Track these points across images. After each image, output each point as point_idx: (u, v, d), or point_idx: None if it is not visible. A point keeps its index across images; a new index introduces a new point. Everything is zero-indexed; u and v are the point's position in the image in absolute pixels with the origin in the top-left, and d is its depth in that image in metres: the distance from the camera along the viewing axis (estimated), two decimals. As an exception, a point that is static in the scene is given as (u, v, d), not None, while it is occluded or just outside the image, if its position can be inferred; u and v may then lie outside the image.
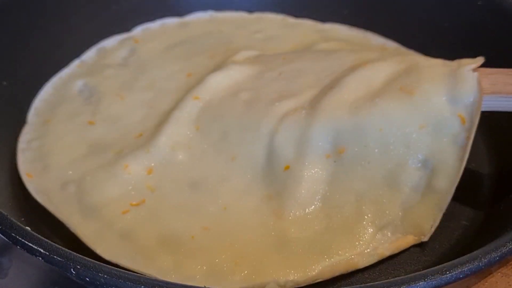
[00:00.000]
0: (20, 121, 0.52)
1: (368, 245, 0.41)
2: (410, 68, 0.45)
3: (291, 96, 0.46)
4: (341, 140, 0.44)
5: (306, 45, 0.58)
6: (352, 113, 0.43)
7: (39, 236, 0.35)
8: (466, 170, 0.45)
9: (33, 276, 0.44)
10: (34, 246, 0.34)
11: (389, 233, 0.42)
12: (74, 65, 0.57)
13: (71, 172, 0.45)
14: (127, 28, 0.62)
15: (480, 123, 0.52)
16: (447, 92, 0.43)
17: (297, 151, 0.43)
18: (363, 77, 0.46)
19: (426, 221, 0.43)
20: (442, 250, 0.44)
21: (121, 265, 0.39)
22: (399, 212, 0.43)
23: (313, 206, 0.42)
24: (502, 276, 0.44)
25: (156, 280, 0.33)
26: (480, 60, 0.44)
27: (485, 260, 0.35)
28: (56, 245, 0.35)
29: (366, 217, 0.42)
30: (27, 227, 0.36)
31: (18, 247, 0.35)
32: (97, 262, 0.34)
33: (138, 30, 0.62)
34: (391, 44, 0.61)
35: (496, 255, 0.35)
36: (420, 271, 0.35)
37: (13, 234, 0.35)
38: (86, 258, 0.34)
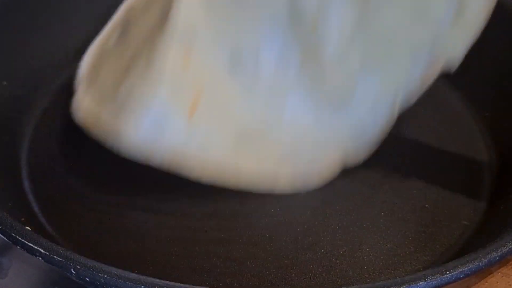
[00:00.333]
0: (20, 121, 0.52)
1: None
2: None
3: None
4: None
5: None
6: None
7: (39, 236, 0.35)
8: (466, 170, 0.45)
9: (33, 276, 0.44)
10: (34, 246, 0.34)
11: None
12: None
13: None
14: None
15: (480, 123, 0.52)
16: None
17: None
18: None
19: (456, 50, 0.43)
20: (442, 250, 0.44)
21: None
22: (430, 44, 0.42)
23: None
24: (502, 276, 0.44)
25: (156, 280, 0.33)
26: None
27: (485, 260, 0.35)
28: (56, 245, 0.35)
29: (400, 54, 0.42)
30: (27, 227, 0.36)
31: (18, 247, 0.35)
32: (97, 262, 0.34)
33: None
34: None
35: (496, 255, 0.35)
36: (420, 271, 0.35)
37: (13, 234, 0.35)
38: (86, 258, 0.34)
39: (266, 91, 0.42)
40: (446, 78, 0.56)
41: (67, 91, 0.57)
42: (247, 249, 0.43)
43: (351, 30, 0.41)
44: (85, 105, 0.44)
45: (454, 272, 0.34)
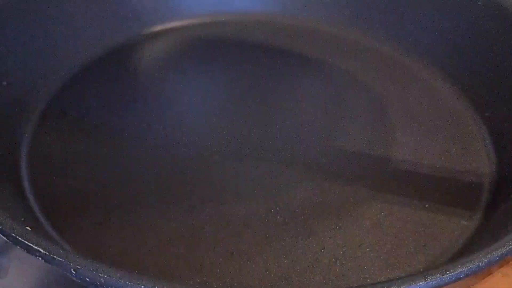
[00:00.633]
0: (20, 121, 0.52)
1: None
2: None
3: None
4: None
5: None
6: None
7: (39, 236, 0.35)
8: (466, 170, 0.45)
9: (33, 276, 0.44)
10: (34, 246, 0.34)
11: None
12: None
13: None
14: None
15: (480, 123, 0.52)
16: None
17: None
18: None
19: None
20: (442, 250, 0.44)
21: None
22: None
23: None
24: (502, 276, 0.44)
25: (157, 279, 0.33)
26: None
27: (486, 260, 0.35)
28: (56, 245, 0.34)
29: None
30: (27, 227, 0.36)
31: (18, 247, 0.35)
32: (97, 262, 0.33)
33: None
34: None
35: (496, 255, 0.35)
36: (420, 271, 0.35)
37: (12, 234, 0.35)
38: (86, 258, 0.34)
39: None
40: (446, 79, 0.57)
41: (67, 91, 0.57)
42: (246, 248, 0.43)
43: None
44: None
45: (454, 272, 0.34)
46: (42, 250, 0.33)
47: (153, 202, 0.46)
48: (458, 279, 0.34)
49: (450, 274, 0.34)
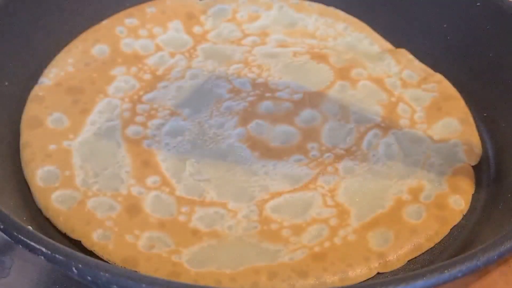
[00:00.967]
0: (16, 116, 0.52)
1: None
2: None
3: None
4: None
5: None
6: None
7: (40, 235, 0.35)
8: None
9: (35, 275, 0.44)
10: (36, 245, 0.35)
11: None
12: None
13: None
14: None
15: (479, 123, 0.53)
16: None
17: None
18: None
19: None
20: (440, 249, 0.45)
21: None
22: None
23: None
24: (500, 275, 0.44)
25: (157, 278, 0.34)
26: None
27: (484, 259, 0.35)
28: (57, 244, 0.35)
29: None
30: (29, 226, 0.36)
31: (20, 246, 0.35)
32: (98, 261, 0.34)
33: None
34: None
35: (494, 254, 0.36)
36: (419, 269, 0.35)
37: (15, 233, 0.35)
38: (88, 257, 0.34)
39: None
40: (446, 79, 0.57)
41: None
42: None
43: None
44: None
45: (453, 271, 0.34)
46: (44, 249, 0.34)
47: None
48: (456, 277, 0.34)
49: (449, 273, 0.34)
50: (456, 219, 0.46)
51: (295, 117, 0.53)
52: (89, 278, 0.33)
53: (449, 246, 0.45)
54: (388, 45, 0.61)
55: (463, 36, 0.57)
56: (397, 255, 0.43)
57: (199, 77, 0.57)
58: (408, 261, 0.44)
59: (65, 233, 0.44)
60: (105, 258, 0.42)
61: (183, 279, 0.40)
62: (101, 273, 0.33)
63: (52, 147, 0.49)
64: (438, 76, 0.57)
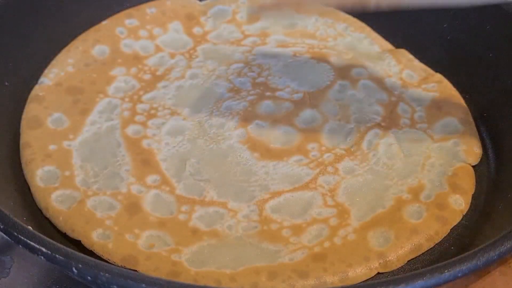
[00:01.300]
0: (16, 116, 0.52)
1: None
2: None
3: None
4: None
5: None
6: None
7: (40, 235, 0.35)
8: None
9: (35, 275, 0.44)
10: (36, 245, 0.35)
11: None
12: None
13: None
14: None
15: (480, 123, 0.52)
16: None
17: None
18: None
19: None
20: (440, 249, 0.45)
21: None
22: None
23: None
24: (500, 275, 0.44)
25: (157, 278, 0.34)
26: None
27: (483, 259, 0.35)
28: (57, 244, 0.35)
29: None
30: (29, 226, 0.36)
31: (20, 246, 0.35)
32: (98, 261, 0.34)
33: None
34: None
35: (494, 254, 0.36)
36: (419, 269, 0.35)
37: (15, 233, 0.36)
38: (88, 257, 0.34)
39: None
40: (446, 79, 0.57)
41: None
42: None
43: None
44: None
45: (453, 271, 0.34)
46: (44, 249, 0.34)
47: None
48: (456, 278, 0.34)
49: (449, 273, 0.34)
50: (457, 219, 0.46)
51: (295, 118, 0.53)
52: (89, 278, 0.33)
53: (449, 246, 0.45)
54: (388, 45, 0.61)
55: (463, 36, 0.57)
56: (397, 255, 0.43)
57: (199, 76, 0.57)
58: (408, 261, 0.44)
59: (65, 233, 0.44)
60: (105, 257, 0.42)
61: (182, 279, 0.40)
62: (101, 273, 0.33)
63: (52, 147, 0.49)
64: (438, 76, 0.57)
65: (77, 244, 0.43)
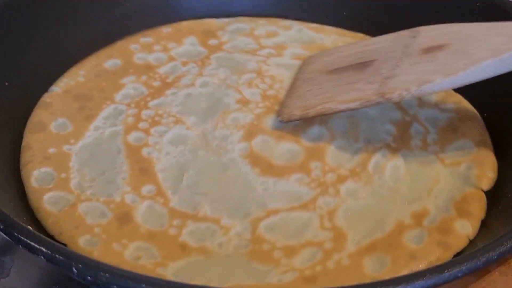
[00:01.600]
0: (21, 121, 0.52)
1: None
2: None
3: None
4: None
5: None
6: None
7: (40, 235, 0.37)
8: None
9: (35, 275, 0.45)
10: (36, 246, 0.36)
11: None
12: None
13: None
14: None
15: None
16: None
17: None
18: None
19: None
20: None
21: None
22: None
23: None
24: (500, 275, 0.45)
25: (157, 278, 0.34)
26: None
27: (483, 259, 0.36)
28: (57, 244, 0.37)
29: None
30: (29, 226, 0.37)
31: (20, 246, 0.35)
32: (98, 261, 0.35)
33: None
34: None
35: (494, 254, 0.37)
36: (419, 270, 0.36)
37: (15, 233, 0.37)
38: (88, 257, 0.35)
39: None
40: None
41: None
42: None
43: None
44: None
45: (453, 271, 0.35)
46: (44, 249, 0.35)
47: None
48: (456, 277, 0.35)
49: (449, 273, 0.35)
50: (462, 244, 0.45)
51: (302, 134, 0.54)
52: (89, 278, 0.34)
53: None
54: None
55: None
56: None
57: (209, 85, 0.59)
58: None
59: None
60: None
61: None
62: (101, 273, 0.34)
63: (52, 150, 0.52)
64: (458, 97, 0.58)
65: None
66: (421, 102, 0.57)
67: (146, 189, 0.48)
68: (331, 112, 0.51)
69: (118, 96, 0.56)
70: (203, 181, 0.49)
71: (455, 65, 0.47)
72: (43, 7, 0.57)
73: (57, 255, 0.35)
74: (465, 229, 0.45)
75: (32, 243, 0.36)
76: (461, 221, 0.46)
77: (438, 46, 0.49)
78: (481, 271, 0.45)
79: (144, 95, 0.56)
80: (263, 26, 0.66)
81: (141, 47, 0.62)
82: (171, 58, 0.61)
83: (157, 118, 0.54)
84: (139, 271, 0.41)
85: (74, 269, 0.34)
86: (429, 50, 0.49)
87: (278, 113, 0.55)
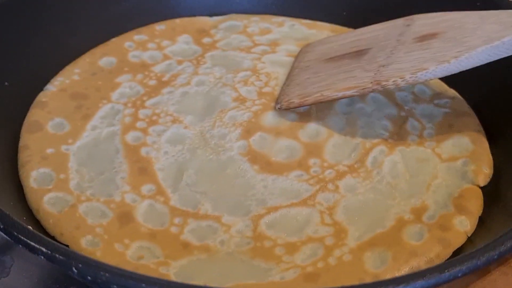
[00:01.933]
0: (21, 121, 0.52)
1: None
2: None
3: None
4: None
5: None
6: None
7: (41, 235, 0.38)
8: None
9: (35, 275, 0.46)
10: (36, 245, 0.36)
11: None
12: None
13: None
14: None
15: (480, 123, 0.52)
16: None
17: None
18: None
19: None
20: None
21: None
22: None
23: None
24: (500, 275, 0.45)
25: (157, 278, 0.34)
26: None
27: (484, 259, 0.37)
28: (57, 243, 0.37)
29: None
30: (29, 226, 0.37)
31: (20, 246, 0.36)
32: (98, 260, 0.35)
33: None
34: None
35: (494, 254, 0.37)
36: (420, 269, 0.36)
37: (15, 233, 0.37)
38: (88, 256, 0.35)
39: None
40: (445, 80, 0.57)
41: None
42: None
43: None
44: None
45: (453, 271, 0.35)
46: (44, 249, 0.35)
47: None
48: (456, 277, 0.35)
49: (449, 273, 0.35)
50: (460, 241, 0.46)
51: (300, 131, 0.54)
52: (89, 278, 0.34)
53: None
54: None
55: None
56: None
57: (205, 83, 0.59)
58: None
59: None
60: None
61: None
62: (101, 273, 0.34)
63: (49, 150, 0.52)
64: (452, 92, 0.59)
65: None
66: (416, 97, 0.58)
67: (146, 188, 0.49)
68: (329, 99, 0.52)
69: (115, 95, 0.56)
70: (203, 180, 0.50)
71: (448, 53, 0.47)
72: (37, 6, 0.57)
73: (57, 255, 0.35)
74: (464, 225, 0.46)
75: (32, 243, 0.36)
76: (459, 217, 0.46)
77: (432, 34, 0.50)
78: (482, 270, 0.45)
79: (140, 94, 0.56)
80: (255, 23, 0.66)
81: (136, 45, 0.62)
82: (166, 57, 0.61)
83: (154, 118, 0.54)
84: (141, 271, 0.42)
85: (74, 268, 0.34)
86: (423, 38, 0.50)
87: (277, 101, 0.55)
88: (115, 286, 0.34)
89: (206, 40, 0.64)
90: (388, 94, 0.57)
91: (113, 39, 0.63)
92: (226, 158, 0.51)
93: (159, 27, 0.65)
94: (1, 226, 0.37)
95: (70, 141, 0.52)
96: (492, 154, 0.52)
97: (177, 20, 0.65)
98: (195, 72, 0.59)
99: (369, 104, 0.56)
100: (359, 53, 0.54)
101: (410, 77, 0.48)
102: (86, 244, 0.44)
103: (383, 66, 0.50)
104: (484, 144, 0.53)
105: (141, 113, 0.55)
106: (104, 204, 0.47)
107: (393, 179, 0.49)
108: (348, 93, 0.51)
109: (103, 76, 0.58)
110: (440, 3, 0.60)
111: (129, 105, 0.55)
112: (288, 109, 0.54)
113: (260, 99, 0.56)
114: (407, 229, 0.45)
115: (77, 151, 0.51)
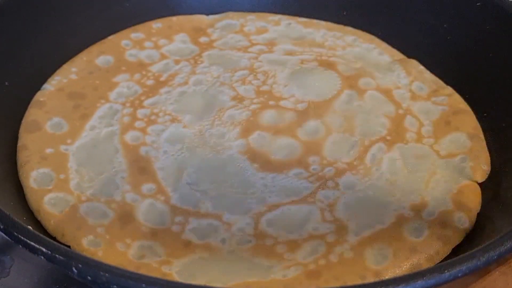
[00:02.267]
0: (15, 120, 0.54)
1: None
2: None
3: None
4: None
5: None
6: None
7: (41, 235, 0.37)
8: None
9: (35, 275, 0.46)
10: (36, 245, 0.36)
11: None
12: None
13: None
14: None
15: (480, 123, 0.52)
16: None
17: None
18: None
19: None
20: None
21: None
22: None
23: None
24: (500, 275, 0.45)
25: (157, 278, 0.34)
26: None
27: (483, 259, 0.37)
28: (57, 244, 0.37)
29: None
30: (29, 226, 0.37)
31: (20, 246, 0.36)
32: (98, 260, 0.35)
33: None
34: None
35: (494, 254, 0.37)
36: (419, 269, 0.36)
37: (15, 233, 0.37)
38: (88, 256, 0.35)
39: None
40: (445, 79, 0.57)
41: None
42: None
43: None
44: None
45: (453, 271, 0.35)
46: (44, 249, 0.35)
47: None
48: (456, 277, 0.35)
49: (449, 273, 0.35)
50: (459, 238, 0.46)
51: (298, 129, 0.54)
52: (89, 278, 0.34)
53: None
54: (399, 55, 0.63)
55: (462, 36, 0.58)
56: (394, 274, 0.44)
57: (203, 83, 0.59)
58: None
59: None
60: None
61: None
62: (101, 273, 0.34)
63: (48, 150, 0.52)
64: (449, 89, 0.59)
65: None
66: (414, 95, 0.57)
67: (146, 187, 0.48)
68: None
69: (113, 95, 0.56)
70: (203, 178, 0.49)
71: None
72: (35, 5, 0.56)
73: (57, 255, 0.35)
74: (462, 222, 0.46)
75: (32, 243, 0.36)
76: (458, 214, 0.46)
77: None
78: (481, 271, 0.45)
79: (138, 94, 0.56)
80: (252, 21, 0.66)
81: (133, 44, 0.62)
82: (163, 56, 0.61)
83: (153, 117, 0.54)
84: (144, 270, 0.42)
85: (74, 268, 0.34)
86: None
87: None
88: (115, 286, 0.34)
89: (203, 39, 0.64)
90: (385, 92, 0.57)
91: (110, 37, 0.63)
92: (226, 157, 0.51)
93: (156, 25, 0.64)
94: (1, 227, 0.37)
95: (69, 141, 0.52)
96: (489, 150, 0.52)
97: (174, 18, 0.65)
98: (192, 71, 0.59)
99: (367, 101, 0.56)
100: None
101: None
102: (88, 245, 0.44)
103: None
104: (481, 141, 0.53)
105: (140, 112, 0.54)
106: (104, 204, 0.47)
107: (392, 176, 0.50)
108: None
109: (100, 75, 0.58)
110: (440, 3, 0.60)
111: (128, 105, 0.55)
112: None
113: (258, 98, 0.56)
114: (407, 225, 0.45)
115: (76, 151, 0.51)
